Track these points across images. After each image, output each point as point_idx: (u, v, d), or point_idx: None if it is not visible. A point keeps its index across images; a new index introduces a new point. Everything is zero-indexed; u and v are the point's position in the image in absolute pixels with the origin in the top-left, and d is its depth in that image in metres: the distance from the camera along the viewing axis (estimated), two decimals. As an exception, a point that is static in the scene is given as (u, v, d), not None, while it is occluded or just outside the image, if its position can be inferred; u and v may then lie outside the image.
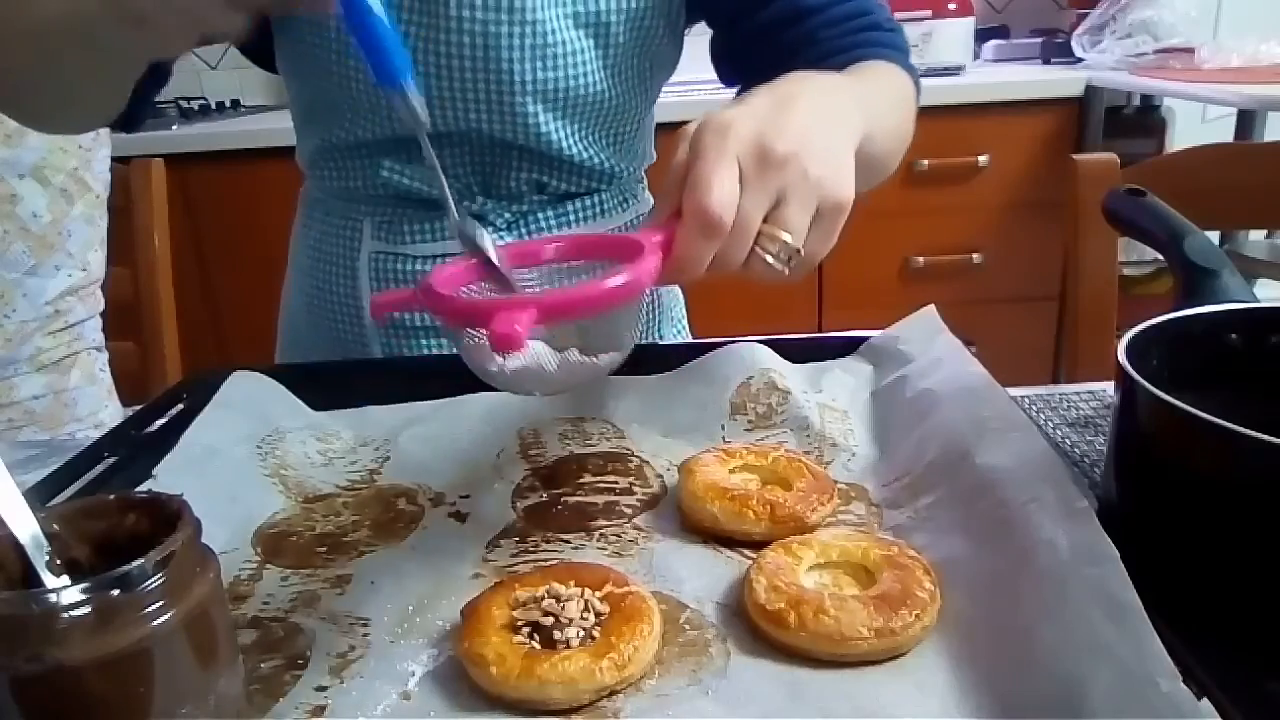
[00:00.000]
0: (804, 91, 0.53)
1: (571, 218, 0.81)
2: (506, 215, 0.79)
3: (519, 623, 0.43)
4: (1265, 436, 0.37)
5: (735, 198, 0.46)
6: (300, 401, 0.67)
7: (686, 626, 0.44)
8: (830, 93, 0.55)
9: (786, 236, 0.48)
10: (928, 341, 0.67)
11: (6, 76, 0.63)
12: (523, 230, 0.80)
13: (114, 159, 1.16)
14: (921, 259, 2.05)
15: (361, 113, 0.76)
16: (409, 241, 0.79)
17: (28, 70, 0.61)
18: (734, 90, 0.82)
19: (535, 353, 0.47)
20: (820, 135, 0.49)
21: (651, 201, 0.92)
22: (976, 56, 2.26)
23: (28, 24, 0.58)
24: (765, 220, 0.47)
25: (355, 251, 0.81)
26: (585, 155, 0.79)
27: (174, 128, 2.00)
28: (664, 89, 0.87)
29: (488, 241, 0.49)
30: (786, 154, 0.47)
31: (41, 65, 0.60)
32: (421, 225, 0.79)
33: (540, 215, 0.80)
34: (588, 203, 0.82)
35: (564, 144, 0.77)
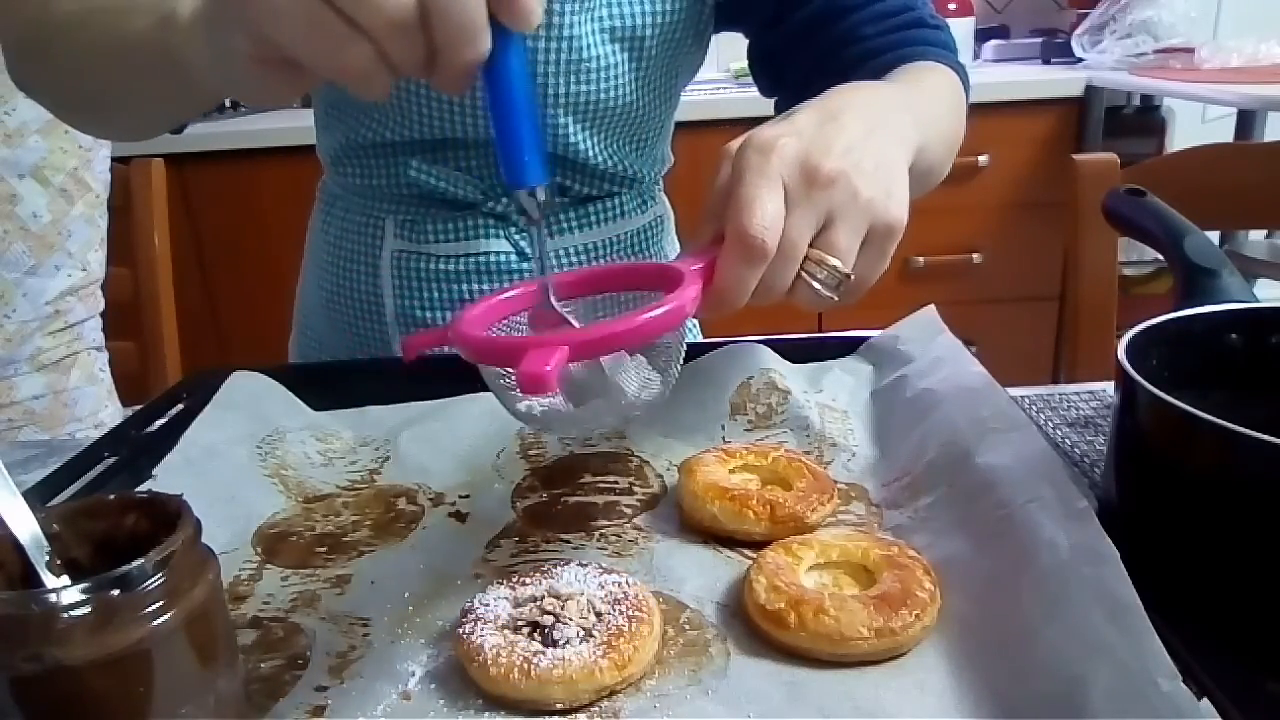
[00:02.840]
0: (853, 105, 0.50)
1: (592, 219, 0.81)
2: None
3: (519, 622, 0.43)
4: (1265, 436, 0.37)
5: (780, 220, 0.44)
6: (300, 401, 0.67)
7: (686, 626, 0.44)
8: (881, 106, 0.52)
9: (835, 261, 0.46)
10: (928, 341, 0.67)
11: (95, 90, 0.62)
12: (545, 230, 0.80)
13: (114, 159, 1.16)
14: (921, 259, 2.05)
15: (390, 114, 0.75)
16: (432, 241, 0.79)
17: (116, 87, 0.61)
18: (771, 102, 0.81)
19: (570, 392, 0.45)
20: (871, 152, 0.47)
21: (667, 203, 0.92)
22: (976, 56, 2.26)
23: (104, 42, 0.57)
24: (812, 244, 0.46)
25: (377, 250, 0.81)
26: (609, 162, 0.79)
27: (174, 128, 2.00)
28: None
29: (551, 284, 0.48)
30: (834, 173, 0.45)
31: (120, 85, 0.60)
32: (445, 225, 0.79)
33: (562, 216, 0.80)
34: (608, 204, 0.82)
35: (590, 152, 0.77)
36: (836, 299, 0.47)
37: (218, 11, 0.44)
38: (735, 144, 0.47)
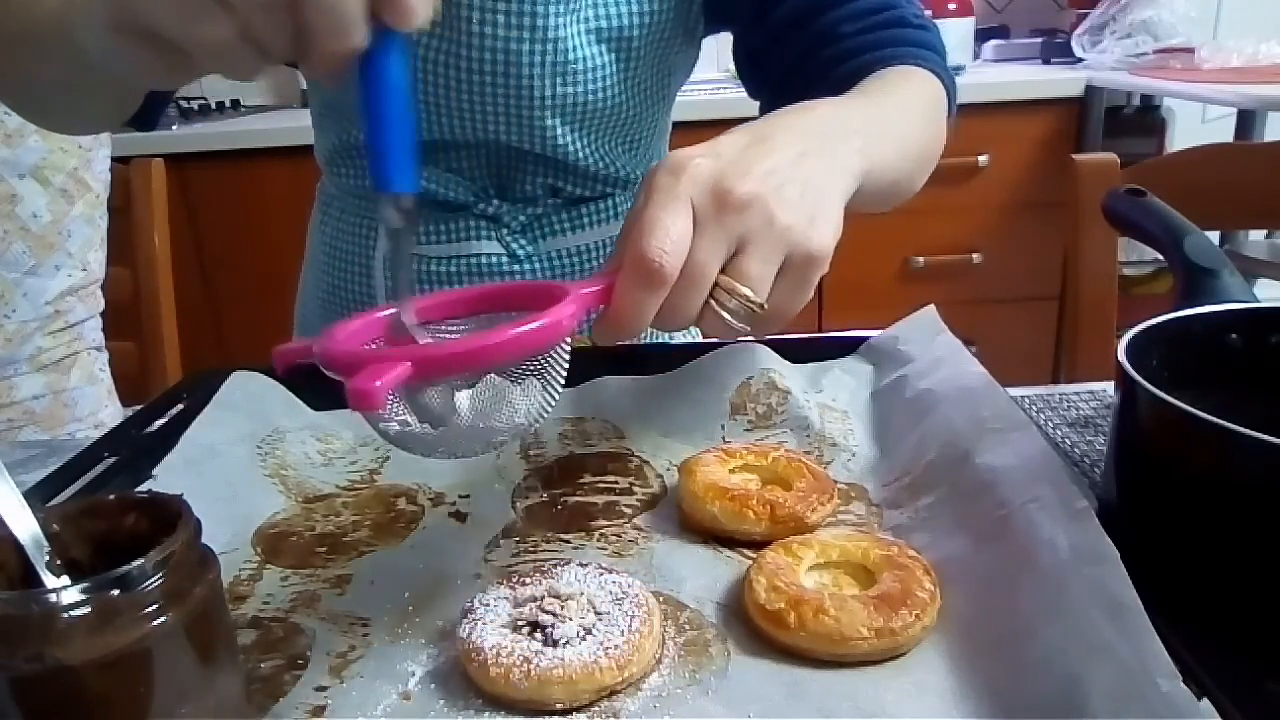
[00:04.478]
0: (789, 127, 0.48)
1: (585, 220, 0.81)
2: (521, 218, 0.79)
3: (519, 622, 0.43)
4: (1265, 436, 0.37)
5: (683, 244, 0.42)
6: (300, 401, 0.67)
7: (686, 626, 0.44)
8: (823, 128, 0.50)
9: (746, 290, 0.43)
10: (928, 341, 0.66)
11: (26, 78, 0.61)
12: (537, 232, 0.80)
13: (114, 159, 1.16)
14: (921, 259, 2.05)
15: None
16: (424, 242, 0.79)
17: (23, 73, 0.60)
18: (757, 104, 0.80)
19: (424, 413, 0.42)
20: (797, 178, 0.45)
21: None
22: (976, 56, 2.26)
23: (18, 26, 0.55)
24: (724, 271, 0.43)
25: (370, 250, 0.81)
26: (601, 163, 0.78)
27: (174, 128, 2.00)
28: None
29: (408, 304, 0.44)
30: (748, 196, 0.43)
31: (36, 70, 0.58)
32: (437, 226, 0.79)
33: (554, 218, 0.80)
34: (602, 205, 0.82)
35: (580, 153, 0.76)
36: (749, 329, 0.45)
37: None
38: (655, 164, 0.46)
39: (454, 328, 0.48)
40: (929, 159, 0.68)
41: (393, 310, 0.45)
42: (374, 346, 0.45)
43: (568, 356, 0.44)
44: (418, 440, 0.43)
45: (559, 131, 0.74)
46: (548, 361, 0.43)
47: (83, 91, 0.61)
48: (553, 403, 0.44)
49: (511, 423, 0.43)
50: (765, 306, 0.45)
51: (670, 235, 0.42)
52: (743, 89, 0.81)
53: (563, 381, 0.44)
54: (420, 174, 0.41)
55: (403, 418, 0.42)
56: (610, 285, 0.43)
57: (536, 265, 0.80)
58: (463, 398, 0.43)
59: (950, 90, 0.71)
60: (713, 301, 0.44)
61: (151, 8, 0.37)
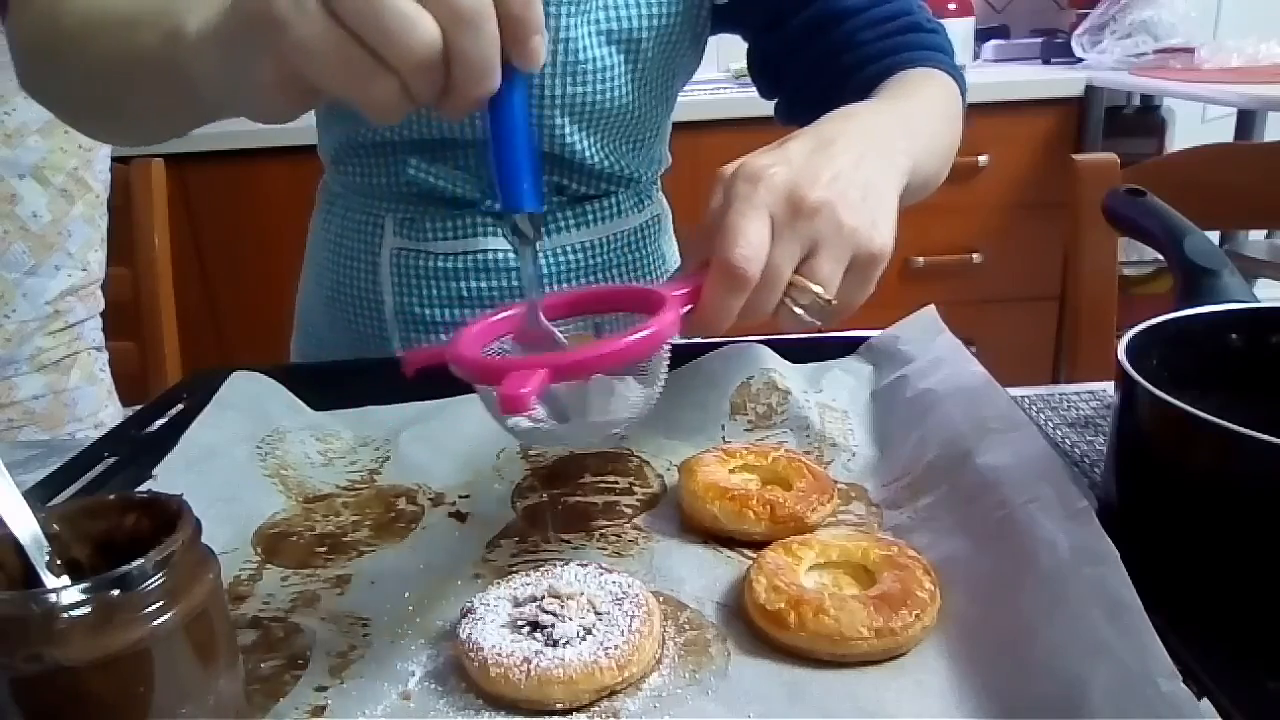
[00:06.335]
0: (846, 133, 0.52)
1: (590, 218, 0.82)
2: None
3: (519, 622, 0.43)
4: (1265, 436, 0.37)
5: (764, 250, 0.46)
6: (300, 401, 0.67)
7: (686, 626, 0.44)
8: (875, 132, 0.54)
9: (817, 289, 0.47)
10: (928, 341, 0.67)
11: (103, 100, 0.62)
12: (543, 229, 0.80)
13: (114, 159, 1.16)
14: (921, 259, 2.05)
15: None
16: (432, 239, 0.79)
17: (123, 99, 0.60)
18: (771, 103, 0.83)
19: (551, 411, 0.47)
20: (858, 182, 0.49)
21: (665, 203, 0.92)
22: (976, 56, 2.26)
23: (107, 64, 0.57)
24: (797, 271, 0.47)
25: (377, 248, 0.81)
26: (606, 162, 0.79)
27: (174, 128, 2.00)
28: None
29: (539, 305, 0.49)
30: (819, 203, 0.47)
31: (124, 100, 0.60)
32: (445, 223, 0.79)
33: (559, 215, 0.80)
34: (605, 204, 0.82)
35: (586, 152, 0.77)
36: (819, 323, 0.49)
37: (241, 36, 0.44)
38: (729, 169, 0.49)
39: (562, 327, 0.52)
40: (951, 155, 0.72)
41: (510, 312, 0.50)
42: (505, 342, 0.50)
43: (669, 357, 0.49)
44: (543, 434, 0.47)
45: (567, 130, 0.75)
46: (652, 360, 0.48)
47: (167, 118, 0.62)
48: (657, 395, 0.49)
49: (621, 415, 0.48)
50: (834, 302, 0.48)
51: (752, 242, 0.46)
52: (743, 90, 0.82)
53: (664, 377, 0.49)
54: (543, 193, 0.46)
55: (533, 414, 0.46)
56: (697, 287, 0.47)
57: (541, 261, 0.80)
58: (586, 395, 0.47)
59: (963, 88, 0.75)
60: (787, 299, 0.48)
61: (322, 77, 0.40)
